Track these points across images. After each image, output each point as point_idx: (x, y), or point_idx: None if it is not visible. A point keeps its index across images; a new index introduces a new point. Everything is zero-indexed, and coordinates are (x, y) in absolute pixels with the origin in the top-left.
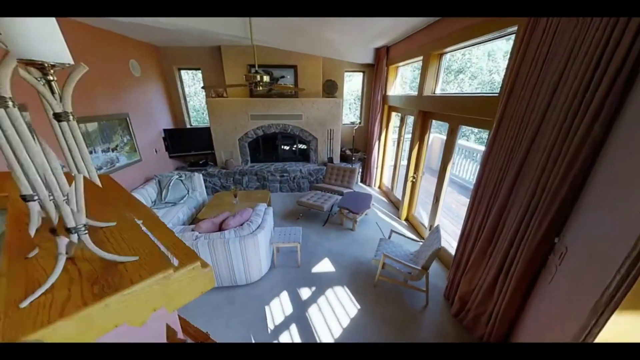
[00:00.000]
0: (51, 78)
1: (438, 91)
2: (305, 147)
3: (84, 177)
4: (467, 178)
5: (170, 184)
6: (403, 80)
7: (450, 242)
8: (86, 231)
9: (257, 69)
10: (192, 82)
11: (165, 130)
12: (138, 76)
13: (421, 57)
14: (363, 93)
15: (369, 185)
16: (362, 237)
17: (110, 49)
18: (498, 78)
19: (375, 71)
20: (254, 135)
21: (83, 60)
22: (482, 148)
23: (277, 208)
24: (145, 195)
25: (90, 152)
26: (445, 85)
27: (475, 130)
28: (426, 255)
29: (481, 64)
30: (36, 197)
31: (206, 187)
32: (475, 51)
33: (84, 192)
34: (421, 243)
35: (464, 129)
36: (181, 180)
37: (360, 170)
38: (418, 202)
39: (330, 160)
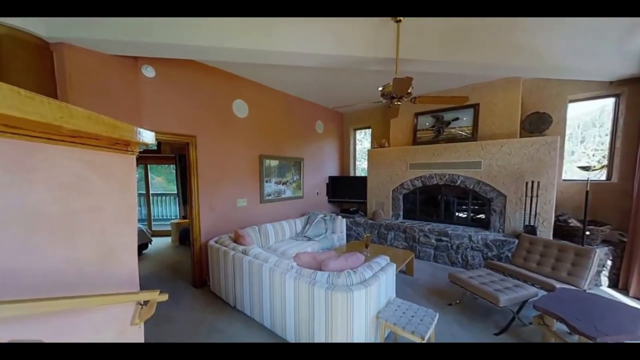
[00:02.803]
0: None
1: None
2: (483, 207)
3: None
4: None
5: (315, 221)
6: None
7: None
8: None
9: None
10: (363, 137)
11: (330, 177)
12: (320, 133)
13: None
14: (615, 129)
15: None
16: None
17: (304, 111)
18: None
19: None
20: (410, 187)
21: (287, 117)
22: None
23: (422, 280)
24: (292, 225)
25: (267, 181)
26: None
27: None
28: None
29: None
30: None
31: (350, 235)
32: None
33: None
34: None
35: None
36: (324, 220)
37: (610, 261)
38: None
39: (531, 230)
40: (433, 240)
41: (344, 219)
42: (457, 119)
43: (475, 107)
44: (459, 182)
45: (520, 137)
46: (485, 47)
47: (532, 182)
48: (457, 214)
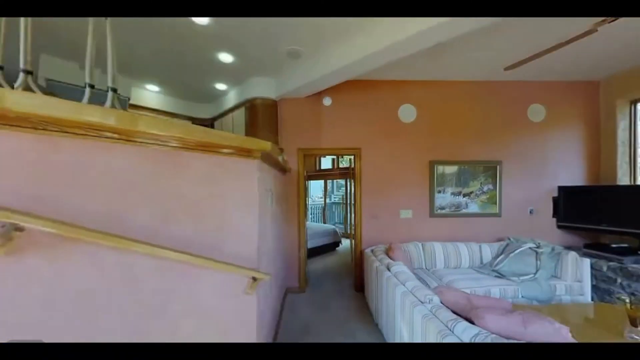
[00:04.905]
0: None
1: None
2: None
3: None
4: None
5: (516, 252)
6: None
7: None
8: None
9: None
10: None
11: (561, 189)
12: (538, 121)
13: None
14: None
15: None
16: None
17: (502, 97)
18: None
19: None
20: None
21: (470, 110)
22: None
23: None
24: (475, 251)
25: (439, 192)
26: None
27: None
28: None
29: None
30: None
31: (608, 291)
32: None
33: None
34: None
35: None
36: (535, 252)
37: None
38: None
39: None
40: None
41: (588, 259)
42: None
43: None
44: None
45: None
46: None
47: None
48: None
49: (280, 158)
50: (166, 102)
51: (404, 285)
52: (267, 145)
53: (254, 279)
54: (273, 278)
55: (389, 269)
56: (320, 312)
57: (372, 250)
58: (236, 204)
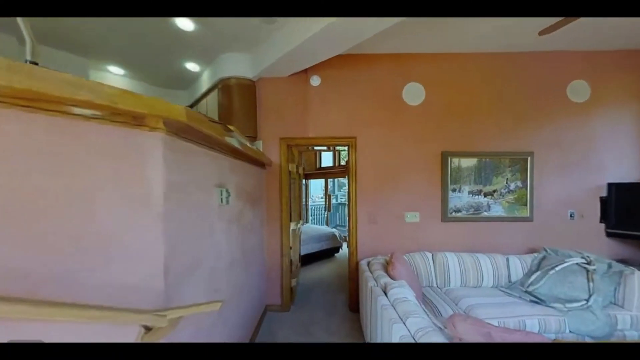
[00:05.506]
0: None
1: None
2: None
3: None
4: None
5: (556, 268)
6: None
7: None
8: None
9: None
10: None
11: (612, 186)
12: (581, 102)
13: None
14: None
15: None
16: None
17: (535, 72)
18: None
19: None
20: None
21: (495, 89)
22: None
23: None
24: (501, 265)
25: (454, 190)
26: None
27: None
28: None
29: None
30: None
31: None
32: None
33: None
34: None
35: None
36: (585, 269)
37: None
38: None
39: None
40: None
41: None
42: None
43: None
44: None
45: None
46: None
47: None
48: None
49: (235, 141)
50: (134, 89)
51: (404, 323)
52: (176, 110)
53: (147, 328)
54: (235, 302)
55: (385, 293)
56: (301, 338)
57: (368, 263)
58: (117, 203)
